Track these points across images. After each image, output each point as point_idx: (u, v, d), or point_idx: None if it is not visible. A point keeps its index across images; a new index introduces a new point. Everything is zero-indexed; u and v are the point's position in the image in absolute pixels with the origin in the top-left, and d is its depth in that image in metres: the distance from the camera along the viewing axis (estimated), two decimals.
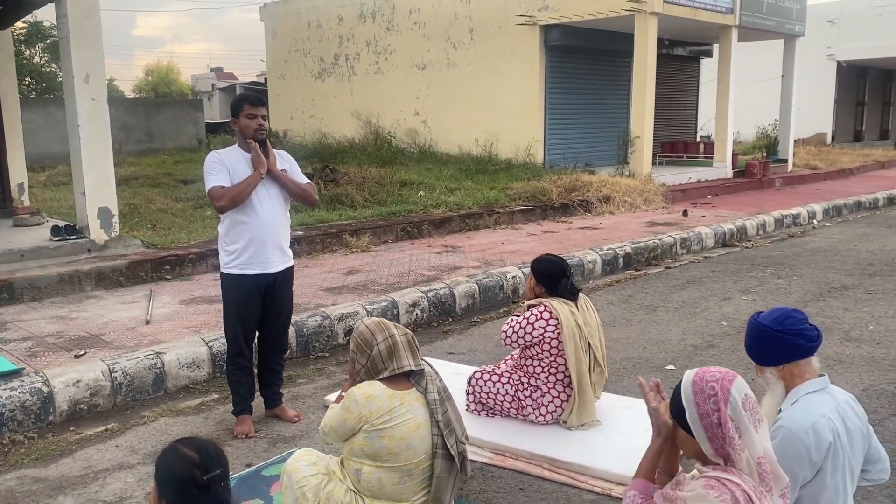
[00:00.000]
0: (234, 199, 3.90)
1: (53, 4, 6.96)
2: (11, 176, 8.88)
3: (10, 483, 3.56)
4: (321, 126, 19.37)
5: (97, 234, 7.14)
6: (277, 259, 4.10)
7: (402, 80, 17.61)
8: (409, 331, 3.19)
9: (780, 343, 2.50)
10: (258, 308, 4.11)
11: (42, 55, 30.01)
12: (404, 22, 17.45)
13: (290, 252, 4.22)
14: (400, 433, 2.93)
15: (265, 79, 38.34)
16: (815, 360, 2.58)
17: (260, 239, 4.00)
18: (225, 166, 3.96)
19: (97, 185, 7.07)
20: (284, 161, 4.15)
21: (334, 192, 10.50)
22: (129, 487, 3.50)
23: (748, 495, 1.85)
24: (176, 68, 47.95)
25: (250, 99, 4.01)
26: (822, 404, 2.46)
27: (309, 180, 4.31)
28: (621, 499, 3.20)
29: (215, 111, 39.19)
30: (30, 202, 9.37)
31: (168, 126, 21.65)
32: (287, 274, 4.19)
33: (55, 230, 7.22)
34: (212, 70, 54.46)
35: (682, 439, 2.08)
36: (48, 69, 29.88)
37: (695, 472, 2.10)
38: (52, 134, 18.32)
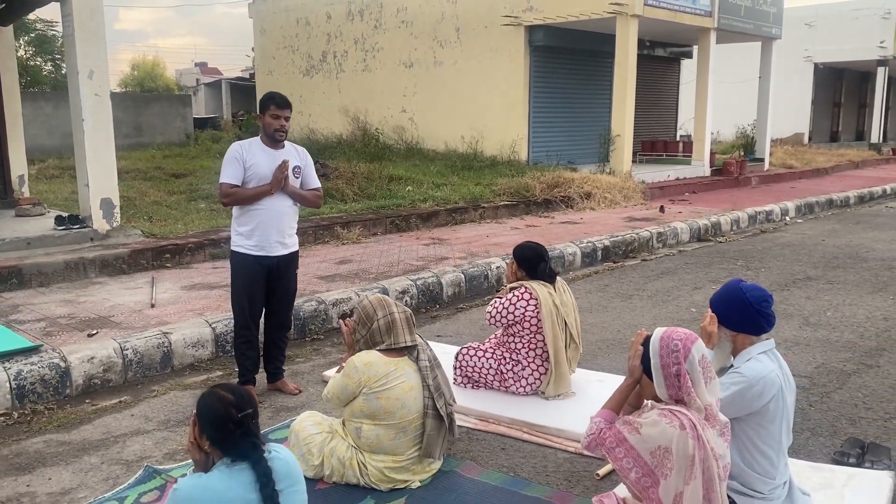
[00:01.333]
0: (239, 202, 4.35)
1: (58, 3, 7.25)
2: (12, 168, 9.16)
3: (38, 446, 3.91)
4: (309, 122, 19.66)
5: (100, 223, 7.46)
6: (280, 244, 4.46)
7: (390, 77, 17.95)
8: (407, 308, 3.57)
9: (749, 317, 2.92)
10: (263, 286, 4.48)
11: (27, 49, 30.01)
12: (391, 20, 17.79)
13: (294, 239, 4.57)
14: (395, 394, 3.32)
15: (250, 74, 38.44)
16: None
17: (266, 225, 4.37)
18: (242, 161, 4.32)
19: (100, 177, 7.39)
20: (300, 158, 4.51)
21: (325, 187, 10.79)
22: (148, 449, 3.86)
23: (693, 423, 2.26)
24: (162, 63, 47.89)
25: (277, 100, 4.34)
26: (771, 362, 2.92)
27: (318, 186, 4.66)
28: (592, 457, 3.63)
29: (200, 106, 39.27)
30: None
31: (156, 121, 21.85)
32: (291, 258, 4.55)
33: (59, 220, 7.53)
34: (196, 65, 54.41)
35: (644, 383, 2.49)
36: (33, 63, 29.89)
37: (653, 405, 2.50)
38: (41, 128, 18.48)
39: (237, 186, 4.35)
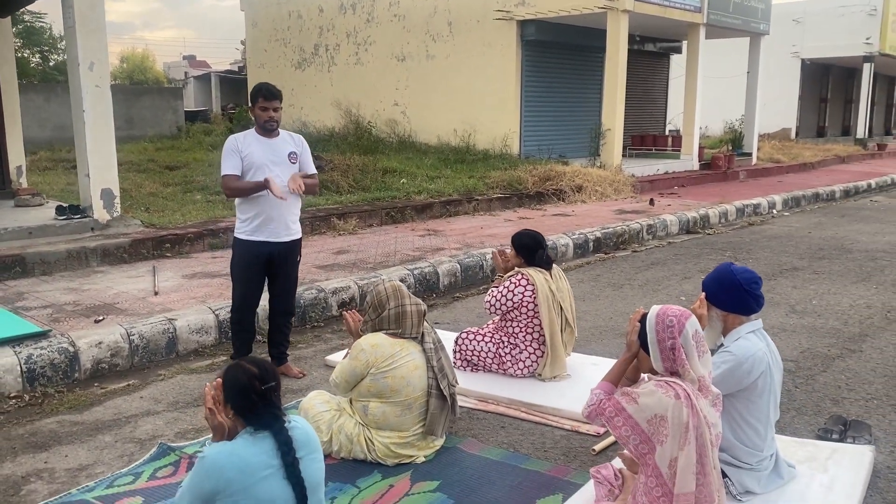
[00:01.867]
0: (239, 194, 4.52)
1: None
2: (10, 159, 9.23)
3: (52, 426, 4.03)
4: (301, 115, 19.73)
5: (100, 213, 7.55)
6: (282, 232, 4.59)
7: (382, 71, 18.04)
8: (422, 302, 3.69)
9: (739, 297, 3.09)
10: (261, 273, 4.63)
11: (14, 40, 29.79)
12: (384, 14, 17.87)
13: (296, 227, 4.70)
14: (401, 373, 3.47)
15: (239, 67, 38.30)
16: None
17: (266, 213, 4.52)
18: (238, 151, 4.48)
19: (101, 168, 7.48)
20: (296, 144, 4.64)
21: (321, 178, 10.89)
22: (159, 428, 3.99)
23: (687, 393, 2.43)
24: (151, 56, 47.69)
25: (264, 92, 4.46)
26: (759, 341, 3.11)
27: (314, 171, 4.79)
28: (587, 434, 3.80)
29: (189, 99, 39.16)
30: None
31: (148, 114, 21.81)
32: (292, 245, 4.68)
33: (60, 210, 7.62)
34: (184, 58, 54.19)
35: (641, 357, 2.66)
36: (20, 54, 29.76)
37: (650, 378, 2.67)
38: (32, 120, 18.41)
39: (238, 177, 4.50)
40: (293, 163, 4.59)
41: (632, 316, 2.73)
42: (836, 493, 3.12)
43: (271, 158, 4.49)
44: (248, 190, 4.46)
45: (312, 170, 4.75)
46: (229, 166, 4.48)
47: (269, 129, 4.50)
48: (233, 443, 2.39)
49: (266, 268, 4.65)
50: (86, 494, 3.22)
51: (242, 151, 4.48)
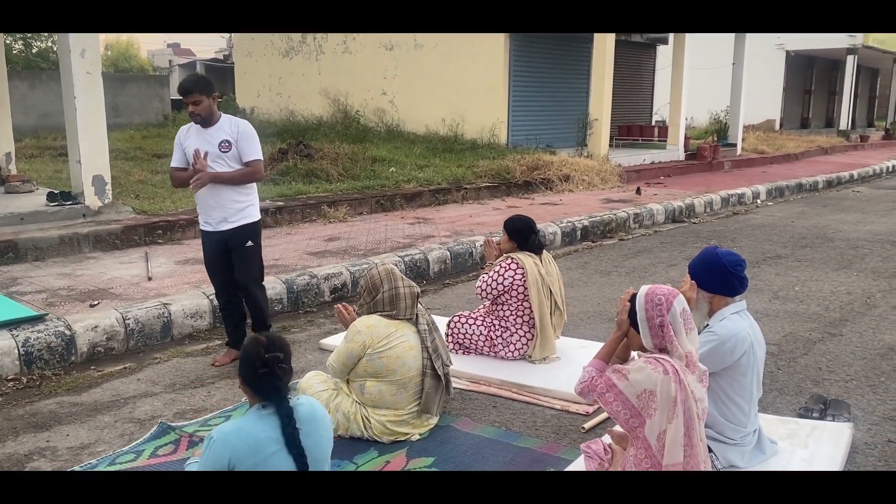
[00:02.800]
0: (179, 185, 4.78)
1: None
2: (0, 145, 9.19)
3: (51, 407, 4.09)
4: (288, 104, 19.68)
5: (91, 200, 7.57)
6: (221, 221, 4.63)
7: (370, 60, 18.02)
8: (415, 285, 3.78)
9: (724, 279, 3.21)
10: (221, 258, 4.74)
11: None
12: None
13: (239, 216, 4.62)
14: (396, 353, 3.57)
15: (224, 56, 38.07)
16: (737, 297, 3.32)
17: (205, 204, 4.65)
18: (181, 145, 4.64)
19: (92, 154, 7.49)
20: (231, 132, 4.52)
21: (310, 167, 11.00)
22: (158, 409, 4.06)
23: (675, 369, 2.54)
24: (136, 44, 47.25)
25: (179, 89, 4.49)
26: (742, 321, 3.23)
27: (253, 158, 4.55)
28: (577, 413, 3.92)
29: (175, 87, 38.91)
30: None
31: (134, 101, 21.71)
32: (236, 233, 4.64)
33: (51, 196, 7.63)
34: (168, 46, 53.82)
35: (631, 335, 2.77)
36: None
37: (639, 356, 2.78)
38: (17, 107, 18.18)
39: (183, 168, 4.65)
40: (223, 151, 4.49)
41: (622, 296, 2.84)
42: (817, 467, 3.25)
43: (203, 148, 4.46)
44: (183, 181, 4.65)
45: (251, 157, 4.56)
46: (174, 159, 4.70)
47: (197, 123, 4.54)
48: (239, 420, 2.49)
49: (228, 255, 4.73)
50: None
51: (183, 143, 4.62)
